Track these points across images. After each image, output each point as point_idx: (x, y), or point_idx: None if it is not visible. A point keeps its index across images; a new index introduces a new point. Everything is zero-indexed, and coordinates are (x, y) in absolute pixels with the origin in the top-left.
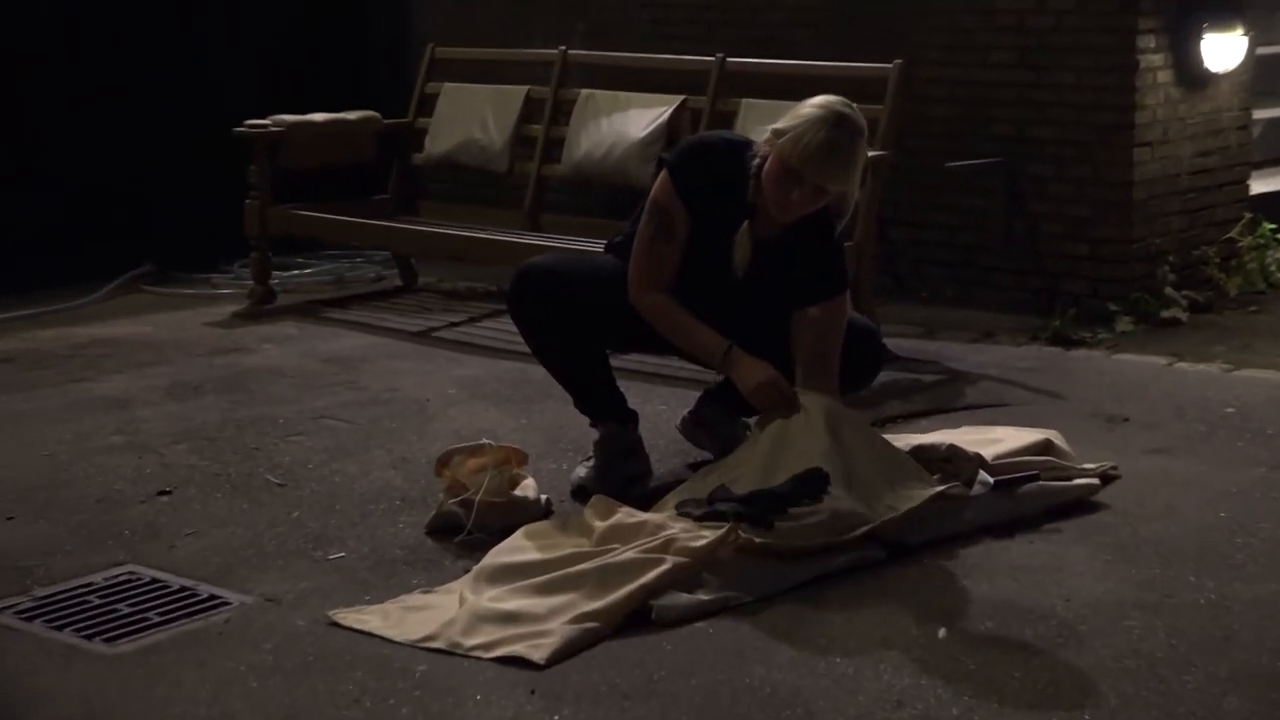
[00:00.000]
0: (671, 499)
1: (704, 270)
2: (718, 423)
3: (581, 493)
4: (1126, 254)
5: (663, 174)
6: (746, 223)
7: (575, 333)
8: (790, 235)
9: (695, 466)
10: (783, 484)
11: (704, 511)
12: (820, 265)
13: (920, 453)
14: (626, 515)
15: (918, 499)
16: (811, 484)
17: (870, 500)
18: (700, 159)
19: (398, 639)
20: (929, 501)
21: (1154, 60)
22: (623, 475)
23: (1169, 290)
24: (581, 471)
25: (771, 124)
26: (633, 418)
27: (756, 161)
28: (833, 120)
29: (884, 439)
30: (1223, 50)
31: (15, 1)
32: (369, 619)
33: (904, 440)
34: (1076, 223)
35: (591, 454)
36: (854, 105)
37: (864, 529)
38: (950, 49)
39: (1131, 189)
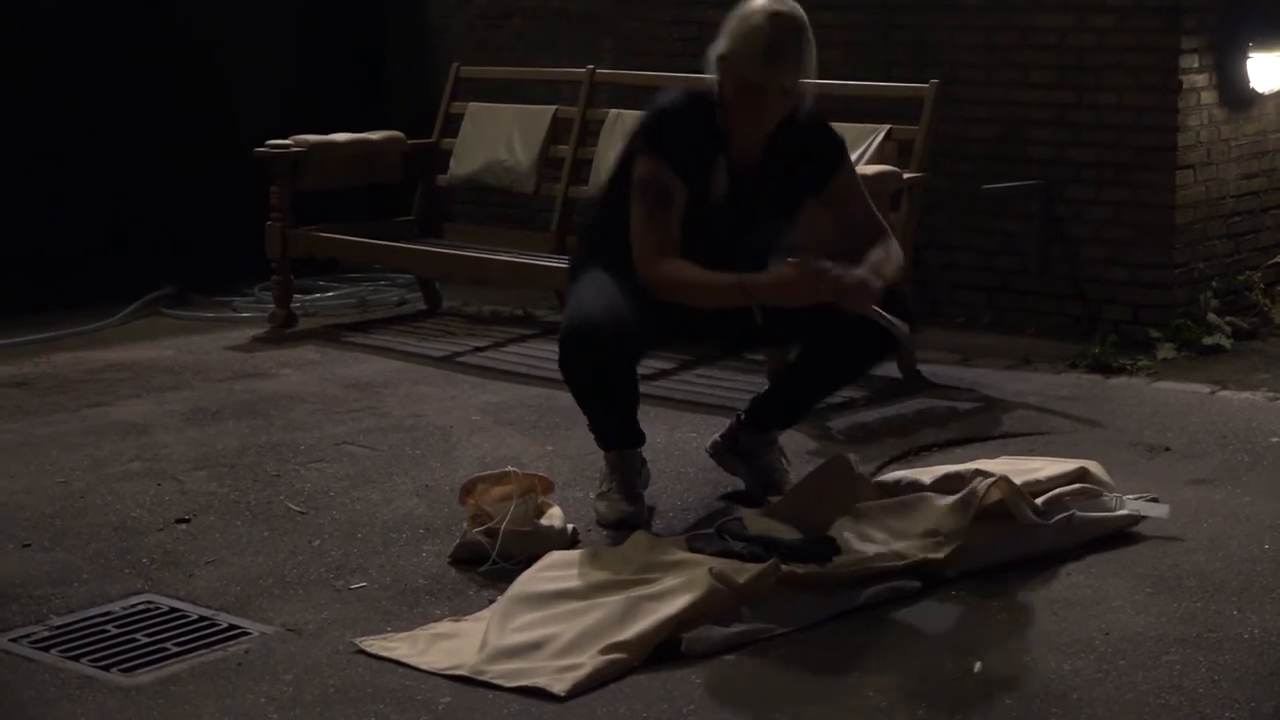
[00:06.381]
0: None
1: (690, 205)
2: (754, 449)
3: (620, 526)
4: (1168, 279)
5: (644, 157)
6: (722, 157)
7: (624, 373)
8: (772, 152)
9: (726, 496)
10: (794, 540)
11: (718, 549)
12: (812, 148)
13: (946, 482)
14: (666, 553)
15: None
16: (821, 546)
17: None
18: (671, 124)
19: (423, 668)
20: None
21: (1197, 80)
22: (640, 490)
23: (1212, 316)
24: (601, 506)
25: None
26: (643, 439)
27: (718, 92)
28: (769, 22)
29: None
30: (1269, 70)
31: (35, 26)
32: (396, 646)
33: (931, 472)
34: (1117, 247)
35: (605, 486)
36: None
37: (904, 563)
38: (988, 68)
39: (1173, 212)
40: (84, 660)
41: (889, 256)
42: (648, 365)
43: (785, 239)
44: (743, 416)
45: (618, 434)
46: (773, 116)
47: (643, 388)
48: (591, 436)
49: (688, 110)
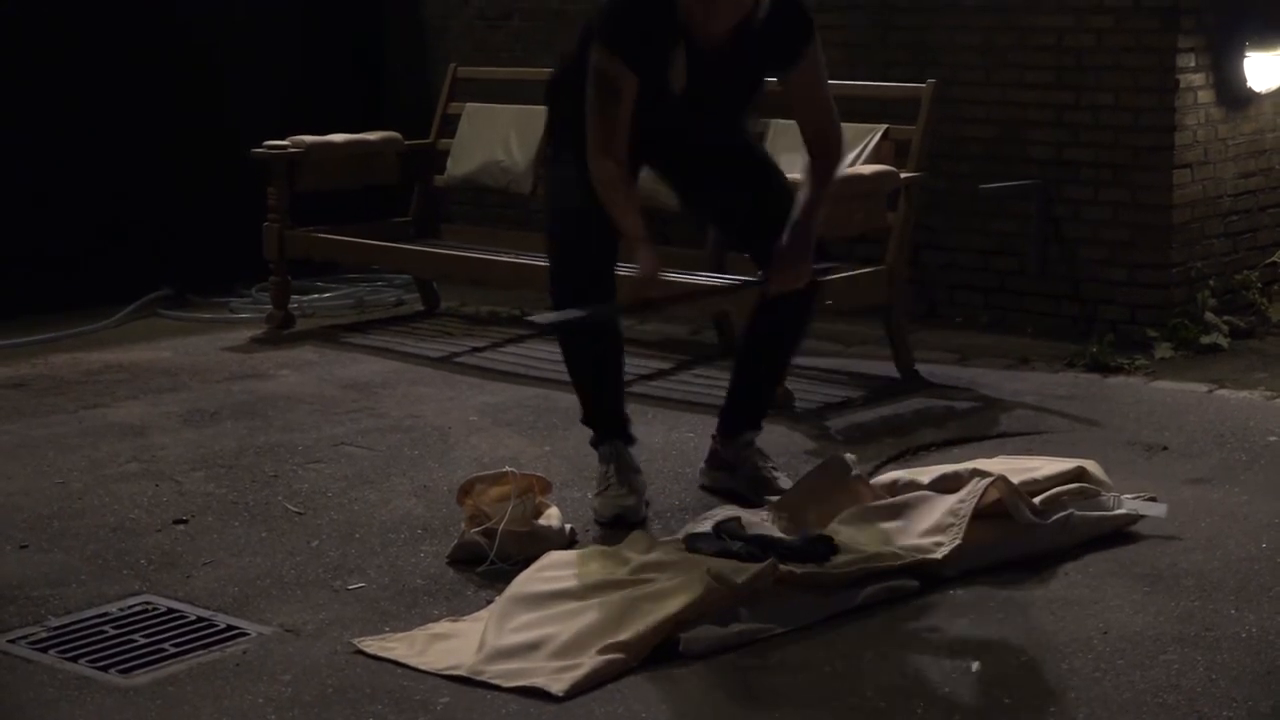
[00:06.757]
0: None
1: (649, 92)
2: (733, 458)
3: (618, 521)
4: (1165, 278)
5: (600, 47)
6: (682, 49)
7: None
8: (736, 38)
9: (723, 494)
10: (792, 539)
11: (716, 549)
12: (780, 27)
13: (943, 481)
14: (665, 554)
15: (955, 532)
16: (819, 546)
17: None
18: (630, 17)
19: (421, 668)
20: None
21: (1194, 80)
22: (637, 488)
23: (1209, 315)
24: (598, 503)
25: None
26: (635, 440)
27: None
28: None
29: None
30: (1266, 69)
31: (35, 26)
32: (394, 647)
33: (928, 472)
34: (1114, 246)
35: (602, 485)
36: None
37: (901, 563)
38: (986, 69)
39: (1171, 212)
40: (82, 661)
41: (825, 188)
42: (645, 365)
43: (745, 121)
44: (715, 434)
45: (610, 421)
46: (725, 20)
47: (640, 388)
48: (588, 435)
49: (647, 2)
